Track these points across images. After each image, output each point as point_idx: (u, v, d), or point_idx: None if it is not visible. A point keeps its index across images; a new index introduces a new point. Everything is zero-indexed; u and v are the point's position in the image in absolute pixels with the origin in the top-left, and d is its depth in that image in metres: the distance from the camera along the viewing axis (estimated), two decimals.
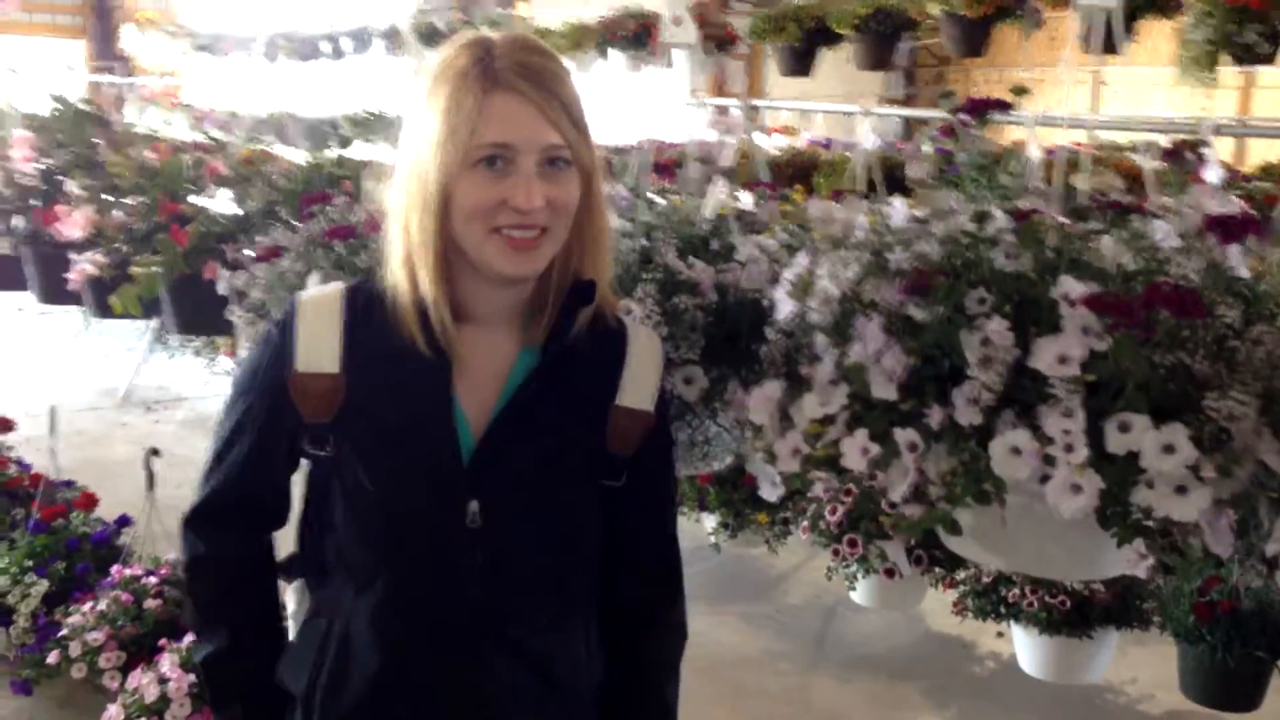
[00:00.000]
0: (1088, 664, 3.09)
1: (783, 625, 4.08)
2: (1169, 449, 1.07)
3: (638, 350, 1.39)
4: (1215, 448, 1.09)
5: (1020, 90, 1.39)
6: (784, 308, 1.47)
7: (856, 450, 1.21)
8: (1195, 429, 1.08)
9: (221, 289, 2.48)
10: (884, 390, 1.23)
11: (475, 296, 1.30)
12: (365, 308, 1.31)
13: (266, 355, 1.35)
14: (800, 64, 5.49)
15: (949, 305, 1.18)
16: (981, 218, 1.20)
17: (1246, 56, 3.58)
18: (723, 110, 5.56)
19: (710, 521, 3.84)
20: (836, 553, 3.21)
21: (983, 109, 1.35)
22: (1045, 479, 1.14)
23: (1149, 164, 1.86)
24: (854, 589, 3.38)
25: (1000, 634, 3.38)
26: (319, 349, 1.31)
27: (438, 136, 1.22)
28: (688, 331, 1.79)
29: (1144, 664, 3.60)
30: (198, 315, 2.69)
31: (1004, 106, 1.33)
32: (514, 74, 1.23)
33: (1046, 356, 1.12)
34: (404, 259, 1.27)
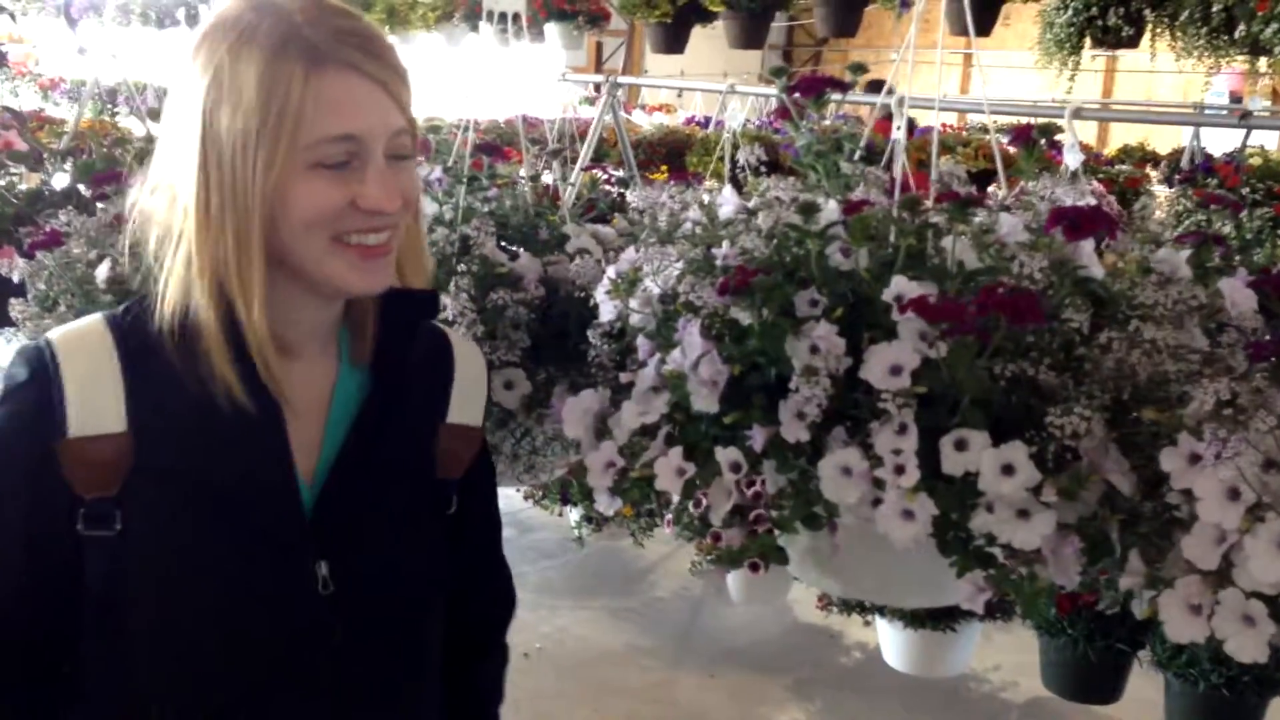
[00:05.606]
0: (951, 657, 3.04)
1: (648, 619, 3.97)
2: (1008, 469, 0.96)
3: (464, 361, 1.23)
4: (1060, 467, 0.98)
5: (858, 68, 1.26)
6: (605, 308, 1.32)
7: (671, 471, 1.07)
8: (1038, 447, 0.97)
9: (14, 276, 2.24)
10: (705, 402, 1.10)
11: (292, 317, 1.08)
12: (143, 344, 1.05)
13: (16, 422, 1.05)
14: (673, 41, 5.39)
15: (773, 308, 1.05)
16: (809, 209, 1.07)
17: (1109, 40, 3.59)
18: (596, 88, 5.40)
19: (574, 514, 3.71)
20: (700, 547, 3.11)
21: (817, 87, 1.22)
22: (877, 502, 1.02)
23: (999, 148, 1.77)
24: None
25: (867, 623, 3.32)
26: (97, 404, 1.03)
27: (252, 128, 0.98)
28: (509, 330, 1.64)
29: (1007, 650, 3.59)
30: None
31: (840, 85, 1.21)
32: (340, 43, 1.00)
33: (877, 367, 0.99)
34: (210, 282, 1.01)
